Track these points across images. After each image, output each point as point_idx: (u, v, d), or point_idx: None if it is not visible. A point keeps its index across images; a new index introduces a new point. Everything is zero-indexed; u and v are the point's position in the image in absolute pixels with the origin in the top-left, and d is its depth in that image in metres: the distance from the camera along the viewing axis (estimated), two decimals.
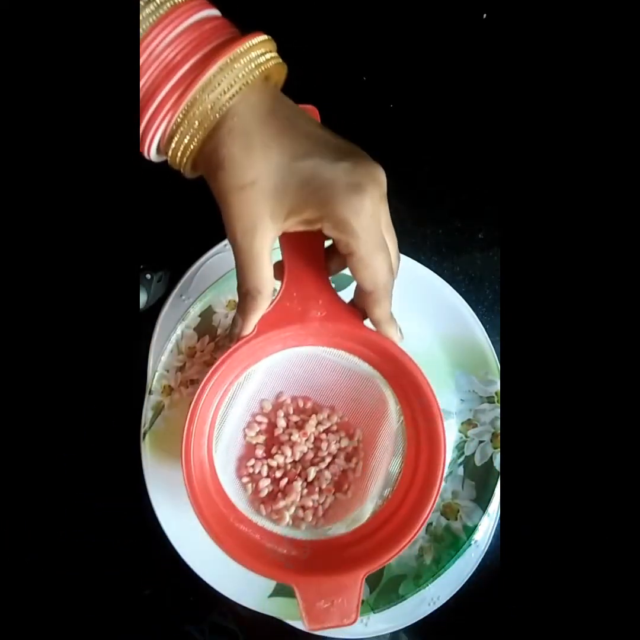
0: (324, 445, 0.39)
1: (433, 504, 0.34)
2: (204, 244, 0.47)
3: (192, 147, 0.28)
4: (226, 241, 0.48)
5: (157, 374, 0.45)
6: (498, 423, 0.46)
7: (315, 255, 0.33)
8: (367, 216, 0.28)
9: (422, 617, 0.44)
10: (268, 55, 0.28)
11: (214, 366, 0.33)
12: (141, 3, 0.25)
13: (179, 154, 0.28)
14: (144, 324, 0.47)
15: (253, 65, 0.27)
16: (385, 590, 0.44)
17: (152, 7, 0.25)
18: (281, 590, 0.43)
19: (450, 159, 0.51)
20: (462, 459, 0.46)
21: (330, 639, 0.44)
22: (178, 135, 0.27)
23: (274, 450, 0.40)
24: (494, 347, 0.47)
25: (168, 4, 0.26)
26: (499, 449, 0.46)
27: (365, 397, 0.39)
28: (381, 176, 0.29)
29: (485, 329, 0.47)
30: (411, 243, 0.50)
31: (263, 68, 0.28)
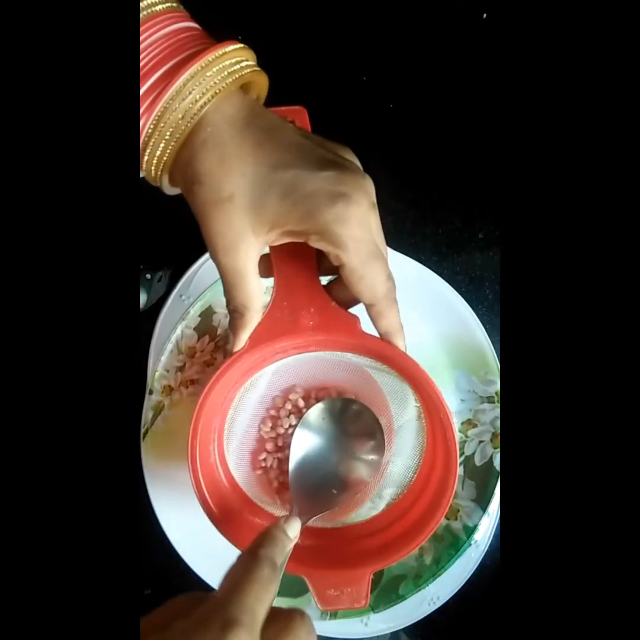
0: None
1: (445, 508, 0.34)
2: (204, 244, 0.47)
3: (165, 159, 0.27)
4: None
5: (157, 374, 0.45)
6: (498, 423, 0.46)
7: (306, 261, 0.32)
8: (355, 224, 0.27)
9: (422, 617, 0.44)
10: (243, 64, 0.27)
11: (207, 386, 0.33)
12: None
13: (153, 167, 0.27)
14: (144, 324, 0.47)
15: (226, 73, 0.26)
16: (385, 590, 0.44)
17: None
18: (281, 591, 0.43)
19: (450, 159, 0.51)
20: (462, 458, 0.46)
21: (330, 639, 0.44)
22: (150, 147, 0.26)
23: (282, 442, 0.40)
24: (494, 347, 0.47)
25: (145, 12, 0.25)
26: (499, 449, 0.46)
27: (380, 390, 0.39)
28: (368, 185, 0.28)
29: (485, 329, 0.47)
30: (411, 243, 0.50)
31: (237, 76, 0.27)
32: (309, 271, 0.32)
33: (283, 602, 0.43)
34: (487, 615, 0.47)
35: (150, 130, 0.26)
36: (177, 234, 0.50)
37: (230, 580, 0.25)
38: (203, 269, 0.47)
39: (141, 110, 0.25)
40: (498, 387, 0.46)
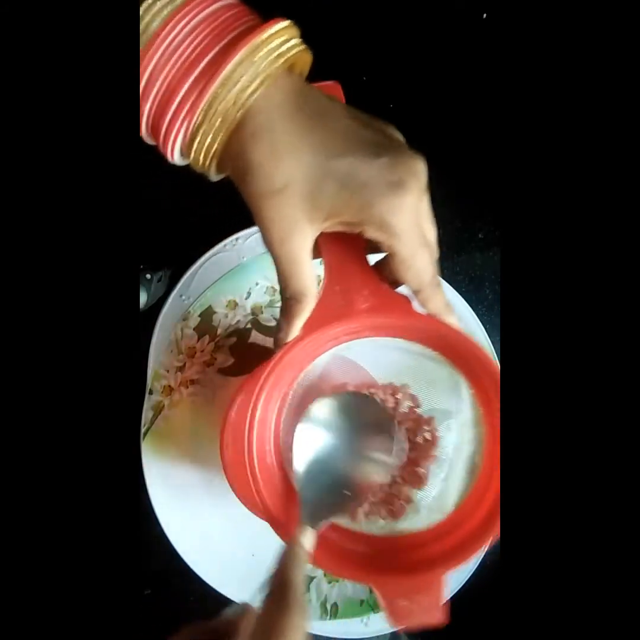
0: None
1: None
2: (204, 244, 0.47)
3: (215, 147, 0.26)
4: (226, 241, 0.48)
5: (157, 374, 0.45)
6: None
7: (354, 243, 0.31)
8: (409, 215, 0.26)
9: None
10: (291, 43, 0.26)
11: (263, 375, 0.31)
12: None
13: (202, 156, 0.27)
14: (144, 324, 0.47)
15: (274, 56, 0.25)
16: None
17: (164, 0, 0.24)
18: None
19: (450, 159, 0.51)
20: None
21: (330, 639, 0.44)
22: (200, 136, 0.26)
23: None
24: (494, 347, 0.47)
25: None
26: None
27: (436, 379, 0.37)
28: (421, 168, 0.27)
29: (485, 329, 0.47)
30: None
31: (285, 58, 0.26)
32: (358, 253, 0.31)
33: None
34: (487, 615, 0.46)
35: (199, 119, 0.25)
36: (177, 234, 0.50)
37: (266, 622, 0.24)
38: (203, 269, 0.47)
39: (190, 101, 0.25)
40: None
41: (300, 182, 0.26)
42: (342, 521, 0.35)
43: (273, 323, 0.49)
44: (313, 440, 0.35)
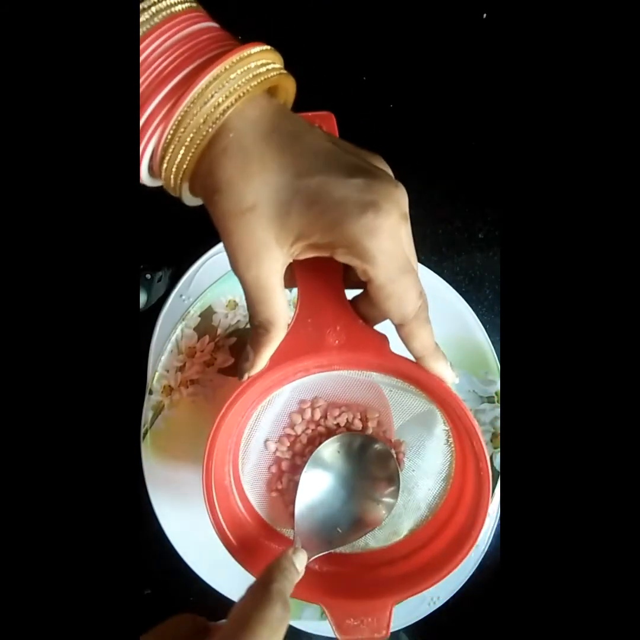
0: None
1: (474, 542, 0.32)
2: (204, 244, 0.47)
3: (184, 166, 0.25)
4: None
5: (157, 374, 0.45)
6: (498, 423, 0.46)
7: (331, 275, 0.30)
8: (385, 237, 0.25)
9: (422, 617, 0.44)
10: (269, 67, 0.25)
11: (226, 405, 0.31)
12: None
13: (172, 174, 0.26)
14: (144, 324, 0.47)
15: (250, 76, 0.25)
16: None
17: (147, 15, 0.23)
18: None
19: (450, 159, 0.51)
20: None
21: (330, 638, 0.44)
22: (170, 153, 0.25)
23: (299, 461, 0.37)
24: (494, 347, 0.47)
25: (164, 13, 0.24)
26: (499, 449, 0.46)
27: (408, 409, 0.37)
28: (399, 194, 0.26)
29: (485, 329, 0.47)
30: None
31: (262, 79, 0.25)
32: (334, 285, 0.30)
33: None
34: (487, 615, 0.47)
35: (169, 136, 0.24)
36: (177, 234, 0.50)
37: (240, 616, 0.24)
38: (203, 269, 0.47)
39: (160, 116, 0.24)
40: (498, 387, 0.46)
41: (268, 202, 0.25)
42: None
43: None
44: (317, 479, 0.36)
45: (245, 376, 0.30)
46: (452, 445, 0.36)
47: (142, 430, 0.45)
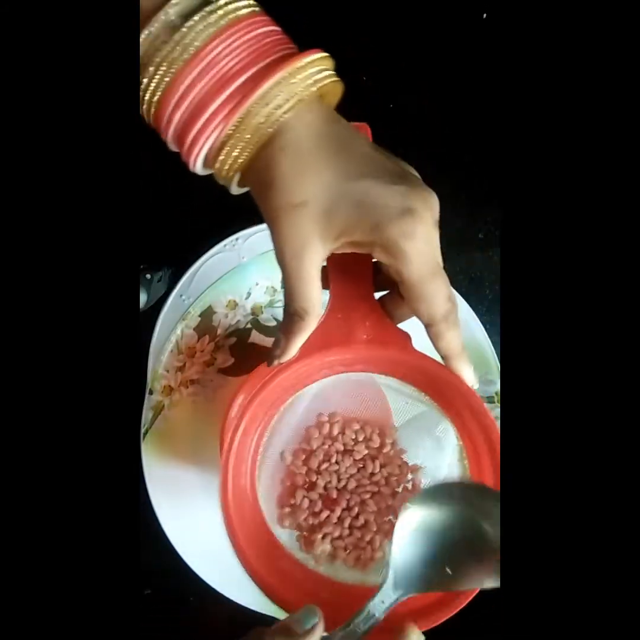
0: (371, 472, 0.35)
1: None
2: (204, 244, 0.47)
3: (240, 160, 0.27)
4: (226, 241, 0.48)
5: (157, 374, 0.45)
6: (498, 423, 0.46)
7: (363, 275, 0.31)
8: (420, 240, 0.27)
9: None
10: (326, 73, 0.27)
11: (253, 392, 0.31)
12: (204, 11, 0.25)
13: (227, 167, 0.27)
14: (144, 324, 0.47)
15: (311, 81, 0.26)
16: None
17: (214, 17, 0.25)
18: None
19: (450, 159, 0.51)
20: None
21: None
22: (228, 147, 0.27)
23: (314, 477, 0.35)
24: (494, 347, 0.47)
25: (231, 16, 0.25)
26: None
27: (422, 427, 0.36)
28: (434, 202, 0.28)
29: (485, 329, 0.47)
30: None
31: (320, 85, 0.27)
32: (365, 284, 0.31)
33: None
34: (486, 615, 0.46)
35: (230, 131, 0.26)
36: (177, 234, 0.50)
37: None
38: (203, 269, 0.47)
39: (223, 114, 0.26)
40: (498, 387, 0.46)
41: (318, 200, 0.27)
42: (310, 563, 0.34)
43: (273, 323, 0.49)
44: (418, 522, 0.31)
45: (276, 362, 0.31)
46: (466, 461, 0.35)
47: (142, 430, 0.45)
